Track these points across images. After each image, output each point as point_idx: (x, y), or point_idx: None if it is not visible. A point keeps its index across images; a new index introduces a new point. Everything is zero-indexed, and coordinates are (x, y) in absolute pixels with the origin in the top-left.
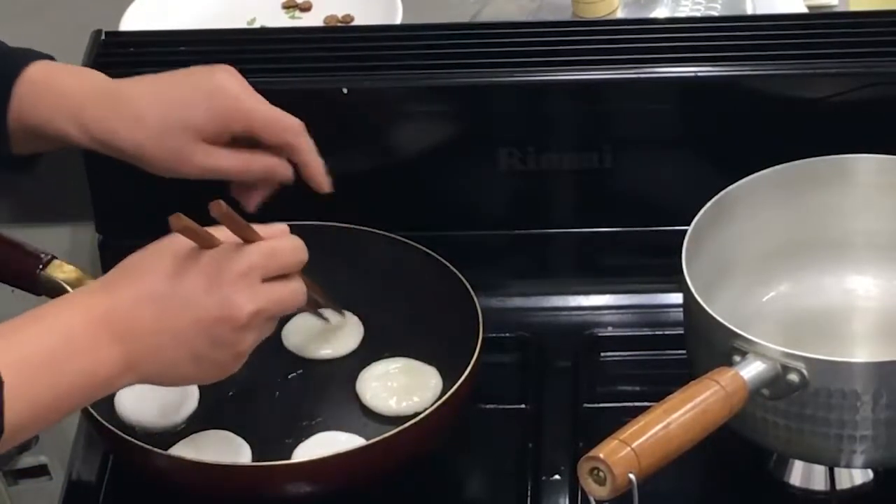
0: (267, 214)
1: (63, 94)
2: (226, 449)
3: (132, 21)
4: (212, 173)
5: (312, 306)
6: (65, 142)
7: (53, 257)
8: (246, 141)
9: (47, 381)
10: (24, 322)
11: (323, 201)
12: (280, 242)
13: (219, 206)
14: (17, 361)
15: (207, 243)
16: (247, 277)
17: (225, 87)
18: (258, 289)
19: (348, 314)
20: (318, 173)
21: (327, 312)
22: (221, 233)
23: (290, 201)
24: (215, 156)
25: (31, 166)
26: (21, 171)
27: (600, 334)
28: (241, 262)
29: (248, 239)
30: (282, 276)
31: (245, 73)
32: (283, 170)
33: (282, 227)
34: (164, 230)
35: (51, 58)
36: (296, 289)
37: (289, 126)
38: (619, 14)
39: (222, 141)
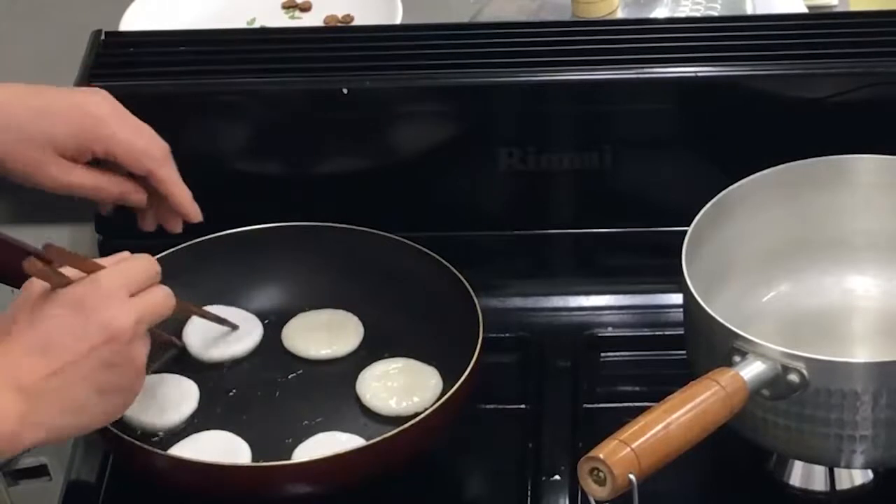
0: (268, 215)
1: None
2: (226, 449)
3: (132, 21)
4: (67, 189)
5: (213, 318)
6: None
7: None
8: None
9: None
10: None
11: (323, 202)
12: (127, 262)
13: (33, 264)
14: None
15: (62, 283)
16: (114, 297)
17: (91, 109)
18: (129, 302)
19: (348, 314)
20: (183, 202)
21: (233, 317)
22: (71, 273)
23: (290, 202)
24: (71, 173)
25: None
26: None
27: (600, 334)
28: (102, 285)
29: (92, 270)
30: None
31: (245, 73)
32: (135, 196)
33: (123, 254)
34: (163, 231)
35: None
36: (164, 293)
37: (149, 154)
38: (619, 14)
39: (83, 160)
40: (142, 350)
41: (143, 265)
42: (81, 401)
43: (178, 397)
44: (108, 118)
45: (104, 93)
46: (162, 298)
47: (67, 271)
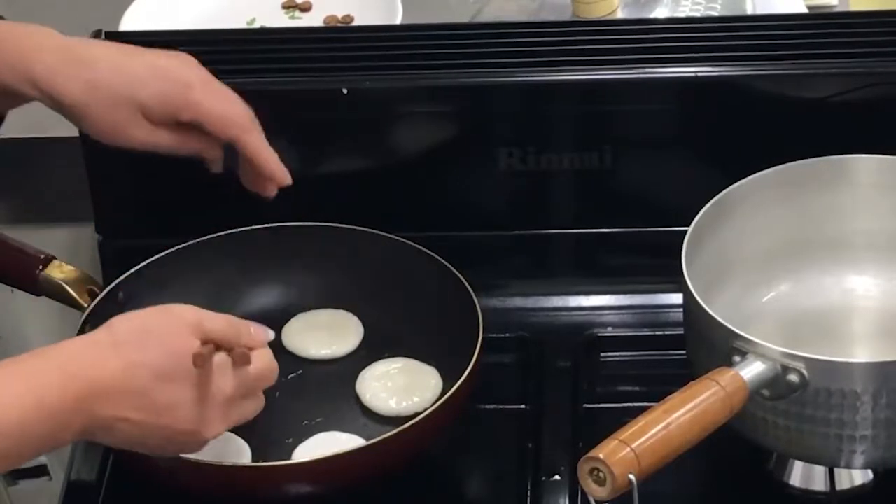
0: (268, 215)
1: (13, 44)
2: (226, 449)
3: (132, 21)
4: (150, 148)
5: None
6: (14, 98)
7: (53, 257)
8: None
9: (15, 436)
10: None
11: (323, 202)
12: (264, 366)
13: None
14: None
15: (203, 363)
16: (228, 401)
17: (177, 74)
18: (232, 411)
19: (348, 314)
20: (270, 166)
21: None
22: (215, 323)
23: (290, 202)
24: (155, 135)
25: None
26: None
27: (600, 334)
28: (227, 385)
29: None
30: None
31: (245, 73)
32: (212, 152)
33: (264, 337)
34: (163, 231)
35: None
36: (259, 405)
37: (235, 122)
38: (619, 14)
39: (167, 122)
40: (205, 446)
41: (270, 374)
42: (129, 442)
43: None
44: (193, 84)
45: (187, 57)
46: (253, 412)
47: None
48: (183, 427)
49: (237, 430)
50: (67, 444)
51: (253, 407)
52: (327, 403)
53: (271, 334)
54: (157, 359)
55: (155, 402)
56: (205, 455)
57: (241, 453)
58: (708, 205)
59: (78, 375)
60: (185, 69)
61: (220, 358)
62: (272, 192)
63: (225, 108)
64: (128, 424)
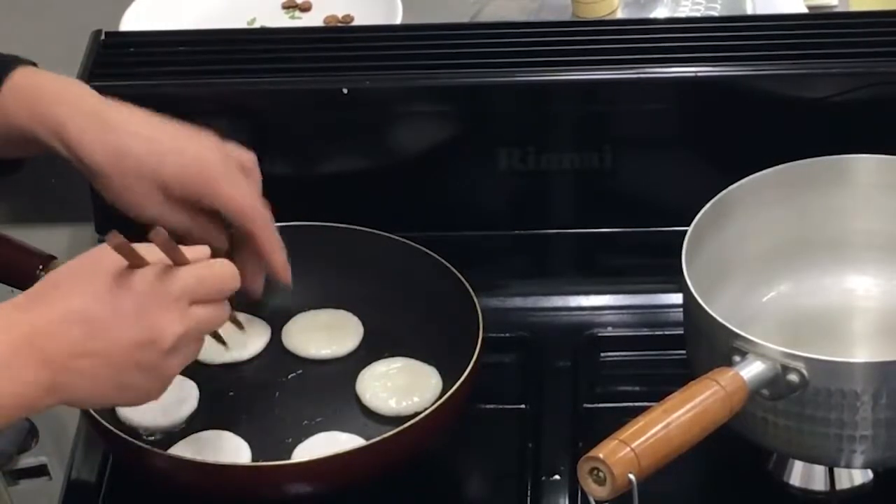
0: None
1: (47, 101)
2: (226, 449)
3: (132, 21)
4: (159, 224)
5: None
6: (40, 147)
7: (53, 257)
8: None
9: None
10: None
11: (323, 202)
12: (212, 269)
13: (116, 238)
14: None
15: (138, 263)
16: (178, 301)
17: (204, 159)
18: (184, 313)
19: (348, 314)
20: (277, 267)
21: (240, 317)
22: (151, 253)
23: (290, 202)
24: (169, 213)
25: (13, 171)
26: (2, 175)
27: (600, 334)
28: (173, 285)
29: (178, 261)
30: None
31: (245, 73)
32: (218, 242)
33: (205, 250)
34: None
35: (34, 64)
36: (220, 311)
37: (252, 216)
38: (619, 14)
39: (184, 202)
40: (177, 362)
41: (222, 277)
42: (98, 385)
43: (178, 398)
44: (216, 171)
45: (214, 140)
46: (216, 316)
47: (152, 254)
48: (137, 338)
49: (237, 431)
50: (41, 405)
51: (214, 312)
52: (327, 403)
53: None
54: (91, 284)
55: (100, 325)
56: (205, 455)
57: (240, 453)
58: (708, 205)
59: (19, 323)
60: (210, 154)
61: (156, 266)
62: (259, 289)
63: (245, 200)
64: (83, 359)
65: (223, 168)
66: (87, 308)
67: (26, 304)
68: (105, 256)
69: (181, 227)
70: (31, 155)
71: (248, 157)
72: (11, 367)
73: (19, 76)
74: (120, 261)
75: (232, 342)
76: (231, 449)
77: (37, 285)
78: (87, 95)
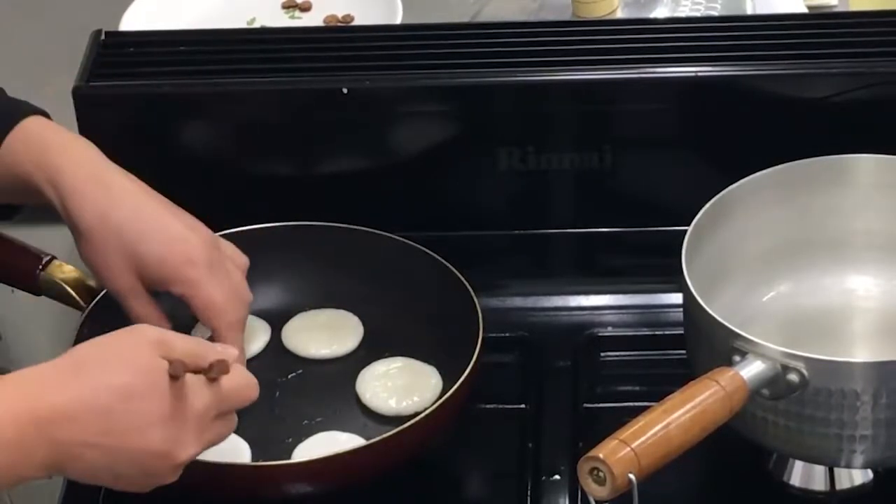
0: (268, 215)
1: (52, 151)
2: (226, 449)
3: (132, 21)
4: (120, 303)
5: None
6: (36, 194)
7: (53, 257)
8: None
9: None
10: None
11: (323, 202)
12: (238, 383)
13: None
14: None
15: (176, 370)
16: (201, 420)
17: (187, 248)
18: (205, 430)
19: (348, 314)
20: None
21: None
22: (185, 344)
23: (290, 202)
24: (132, 298)
25: (9, 216)
26: (1, 219)
27: (600, 334)
28: (200, 402)
29: (205, 369)
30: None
31: (245, 73)
32: None
33: (234, 353)
34: None
35: (46, 114)
36: (232, 425)
37: (223, 317)
38: (619, 14)
39: (156, 288)
40: (179, 474)
41: (246, 390)
42: (96, 474)
43: None
44: (197, 263)
45: (205, 232)
46: (228, 431)
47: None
48: (154, 448)
49: (237, 431)
50: (31, 478)
51: (227, 427)
52: (327, 403)
53: (235, 352)
54: (121, 377)
55: (121, 423)
56: (205, 455)
57: (240, 453)
58: (708, 205)
59: (36, 400)
60: (197, 239)
61: (189, 376)
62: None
63: (220, 299)
64: (94, 451)
65: (204, 260)
66: (111, 402)
67: (48, 380)
68: (143, 345)
69: (141, 317)
70: (29, 203)
71: (242, 260)
72: (17, 446)
73: (31, 123)
74: (158, 360)
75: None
76: (231, 449)
77: (63, 358)
78: (91, 153)
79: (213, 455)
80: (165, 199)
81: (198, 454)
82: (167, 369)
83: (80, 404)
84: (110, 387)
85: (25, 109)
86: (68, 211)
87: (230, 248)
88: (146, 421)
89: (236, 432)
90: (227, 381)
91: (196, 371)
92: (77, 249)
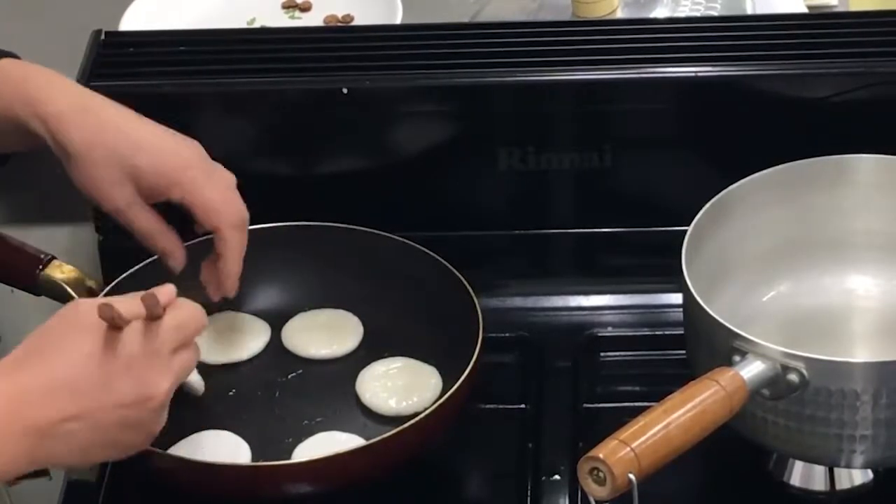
0: (268, 215)
1: (33, 85)
2: (226, 449)
3: (132, 21)
4: (121, 220)
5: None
6: (21, 131)
7: (53, 257)
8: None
9: None
10: None
11: (323, 202)
12: (184, 313)
13: (149, 297)
14: None
15: (121, 325)
16: (159, 356)
17: (183, 153)
18: (169, 365)
19: (348, 314)
20: (230, 273)
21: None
22: (127, 303)
23: (290, 202)
24: (133, 209)
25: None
26: None
27: (600, 334)
28: (153, 340)
29: (158, 316)
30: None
31: (245, 73)
32: (174, 259)
33: (172, 289)
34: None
35: (18, 58)
36: (195, 352)
37: (224, 215)
38: (619, 14)
39: (153, 199)
40: (164, 415)
41: (194, 320)
42: (86, 448)
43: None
44: (193, 165)
45: (196, 145)
46: (193, 359)
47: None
48: (127, 398)
49: (237, 431)
50: (14, 474)
51: (191, 357)
52: (327, 403)
53: (169, 288)
54: (74, 346)
55: (86, 387)
56: (205, 455)
57: (241, 453)
58: (708, 205)
59: (1, 392)
60: (189, 150)
61: (133, 322)
62: (216, 297)
63: (219, 198)
64: (72, 423)
65: (200, 164)
66: (73, 374)
67: (9, 372)
68: (85, 317)
69: (144, 228)
70: (14, 147)
71: (231, 177)
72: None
73: (7, 62)
74: (97, 321)
75: (232, 342)
76: (231, 449)
77: (18, 350)
78: (73, 84)
79: (213, 455)
80: (150, 120)
81: (173, 387)
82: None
83: (42, 384)
84: (66, 358)
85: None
86: (56, 138)
87: (219, 166)
88: (109, 376)
89: (236, 432)
90: (179, 315)
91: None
92: (69, 176)
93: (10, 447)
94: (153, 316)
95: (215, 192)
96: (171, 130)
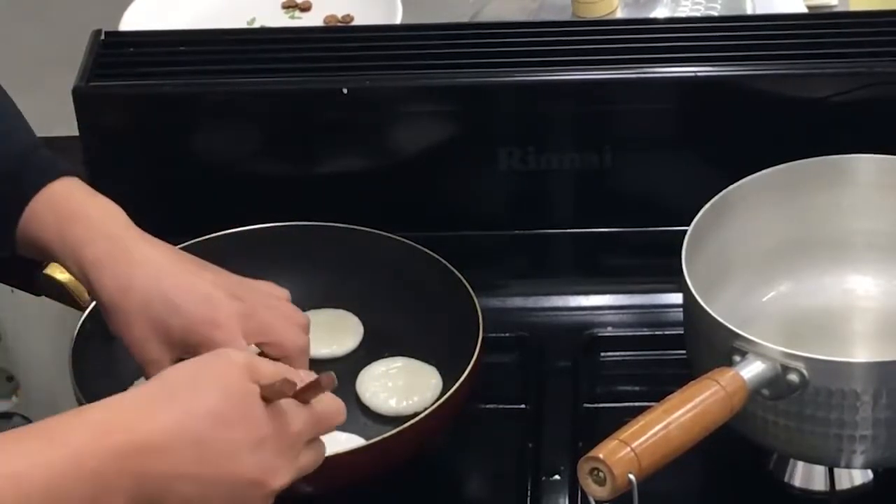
0: (268, 215)
1: (75, 220)
2: None
3: (132, 21)
4: (146, 374)
5: None
6: (53, 257)
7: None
8: None
9: (38, 501)
10: (28, 434)
11: (323, 202)
12: (328, 406)
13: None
14: (14, 475)
15: (269, 395)
16: (294, 447)
17: (211, 311)
18: (297, 457)
19: (348, 314)
20: None
21: None
22: (268, 367)
23: (290, 202)
24: (157, 361)
25: (34, 271)
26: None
27: (600, 334)
28: (293, 427)
29: (305, 400)
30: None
31: (245, 73)
32: None
33: (313, 376)
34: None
35: (75, 174)
36: (322, 450)
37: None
38: (619, 14)
39: (185, 353)
40: (270, 503)
41: (335, 415)
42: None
43: None
44: (224, 327)
45: (231, 283)
46: (319, 459)
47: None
48: (248, 475)
49: None
50: None
51: (317, 453)
52: None
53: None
54: (213, 402)
55: (215, 451)
56: None
57: None
58: (708, 205)
59: (123, 430)
60: (220, 303)
61: (284, 400)
62: None
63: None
64: (186, 482)
65: (232, 312)
66: (203, 429)
67: (133, 408)
68: (233, 369)
69: None
70: (39, 258)
71: (280, 293)
72: (98, 479)
73: (58, 187)
74: (247, 383)
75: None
76: None
77: (150, 386)
78: (113, 221)
79: None
80: (188, 257)
81: (290, 482)
82: (258, 393)
83: (171, 434)
84: (202, 414)
85: (54, 171)
86: (90, 284)
87: (265, 286)
88: (240, 447)
89: None
90: (317, 405)
91: (288, 395)
92: (109, 327)
93: (115, 486)
94: (303, 400)
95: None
96: (204, 269)
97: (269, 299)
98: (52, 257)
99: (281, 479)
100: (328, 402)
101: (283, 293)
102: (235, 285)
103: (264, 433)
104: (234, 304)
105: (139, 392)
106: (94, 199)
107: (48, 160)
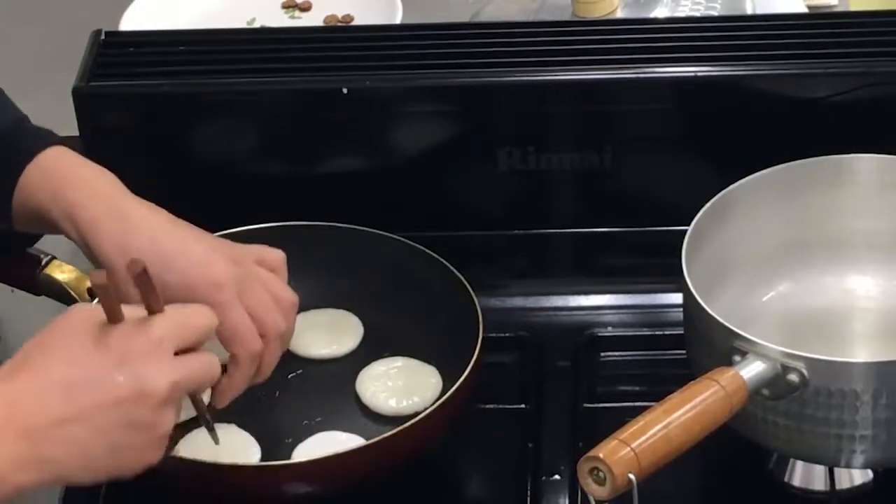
0: (268, 215)
1: (68, 184)
2: (236, 447)
3: (132, 21)
4: None
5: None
6: (54, 227)
7: (53, 257)
8: None
9: None
10: None
11: (323, 202)
12: (189, 310)
13: (98, 276)
14: None
15: (116, 314)
16: (159, 349)
17: (212, 271)
18: (171, 361)
19: (348, 314)
20: (225, 391)
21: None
22: (128, 310)
23: (290, 202)
24: None
25: (29, 243)
26: (18, 245)
27: (600, 334)
28: (151, 333)
29: (154, 308)
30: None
31: (245, 73)
32: None
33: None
34: None
35: (65, 143)
36: (209, 361)
37: (246, 345)
38: (619, 14)
39: None
40: (170, 417)
41: (202, 320)
42: (88, 454)
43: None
44: (225, 288)
45: (229, 249)
46: (205, 365)
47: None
48: (123, 393)
49: (246, 428)
50: (24, 485)
51: (201, 361)
52: (327, 403)
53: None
54: (66, 343)
55: (80, 385)
56: (206, 456)
57: (251, 452)
58: (708, 205)
59: None
60: (218, 265)
61: (128, 318)
62: (217, 402)
63: (241, 323)
64: (69, 425)
65: (231, 275)
66: (64, 373)
67: (4, 377)
68: (78, 317)
69: None
70: (40, 232)
71: (274, 257)
72: None
73: (48, 154)
74: (94, 319)
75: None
76: (241, 447)
77: (15, 356)
78: (108, 185)
79: (221, 451)
80: (185, 223)
81: (175, 386)
82: (103, 318)
83: (34, 386)
84: (60, 359)
85: (44, 140)
86: (88, 245)
87: (259, 252)
88: (102, 372)
89: (245, 429)
90: (181, 315)
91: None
92: None
93: (7, 450)
94: (152, 309)
95: (242, 318)
96: (202, 235)
97: (261, 272)
98: (48, 224)
99: (157, 382)
100: (191, 308)
101: (278, 258)
102: (232, 249)
103: (121, 348)
104: (231, 267)
105: (5, 365)
106: (87, 164)
107: (37, 130)
